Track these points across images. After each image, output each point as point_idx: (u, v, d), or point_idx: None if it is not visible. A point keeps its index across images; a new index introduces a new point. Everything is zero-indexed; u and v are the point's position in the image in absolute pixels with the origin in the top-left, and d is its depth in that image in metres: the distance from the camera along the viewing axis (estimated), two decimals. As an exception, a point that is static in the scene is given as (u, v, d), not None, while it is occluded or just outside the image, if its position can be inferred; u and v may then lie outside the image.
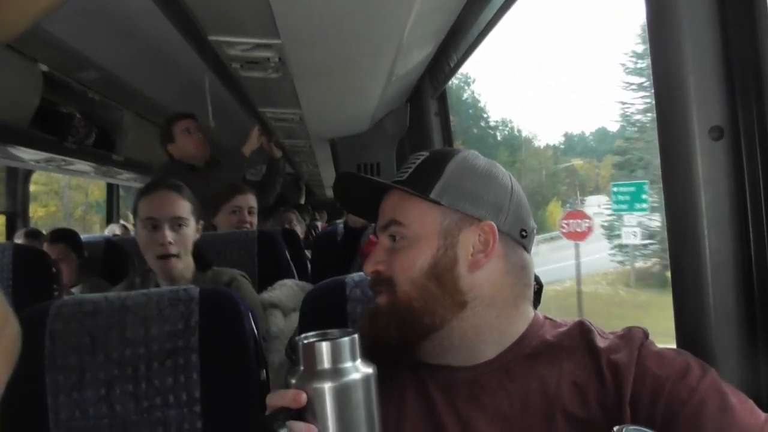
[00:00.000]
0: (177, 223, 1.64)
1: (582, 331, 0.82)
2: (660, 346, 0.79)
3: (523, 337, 0.84)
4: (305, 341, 0.68)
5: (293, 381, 0.67)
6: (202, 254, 1.80)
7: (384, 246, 0.86)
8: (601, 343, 0.79)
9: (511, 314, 0.84)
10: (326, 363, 0.66)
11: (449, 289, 0.81)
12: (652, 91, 0.97)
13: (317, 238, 2.27)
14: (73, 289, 2.79)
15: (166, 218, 1.62)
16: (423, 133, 2.70)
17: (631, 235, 11.21)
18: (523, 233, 0.86)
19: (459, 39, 2.01)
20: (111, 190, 5.08)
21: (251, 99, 2.22)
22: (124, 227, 4.77)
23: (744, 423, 0.69)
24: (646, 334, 0.80)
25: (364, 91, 2.25)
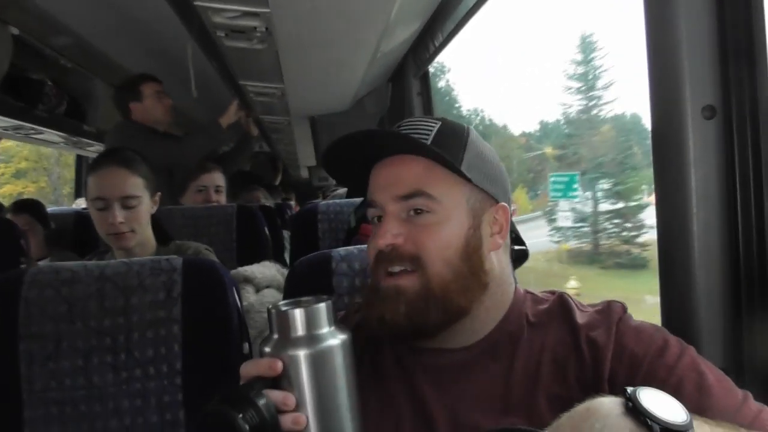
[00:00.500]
0: (128, 203, 1.57)
1: (562, 307, 0.82)
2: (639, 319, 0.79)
3: (507, 315, 0.83)
4: (279, 309, 0.67)
5: (268, 349, 0.66)
6: (162, 227, 1.75)
7: (397, 217, 0.78)
8: (580, 318, 0.79)
9: (506, 291, 0.84)
10: (300, 330, 0.65)
11: (477, 270, 0.79)
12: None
13: (297, 217, 2.24)
14: (41, 263, 2.71)
15: (115, 197, 1.55)
16: (404, 113, 2.69)
17: (565, 219, 12.64)
18: (513, 213, 0.86)
19: (445, 17, 2.00)
20: (80, 162, 4.96)
21: (233, 71, 2.17)
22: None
23: (722, 403, 0.68)
24: (624, 309, 0.79)
25: (348, 68, 2.22)
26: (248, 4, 1.46)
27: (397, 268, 0.78)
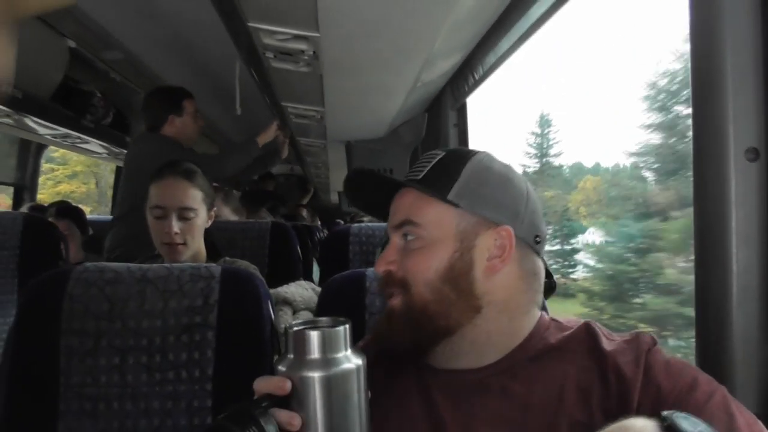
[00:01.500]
0: (185, 214, 1.61)
1: (588, 334, 0.81)
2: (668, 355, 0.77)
3: (528, 340, 0.83)
4: (296, 329, 0.67)
5: (281, 368, 0.66)
6: (214, 243, 1.78)
7: (396, 245, 0.85)
8: (608, 346, 0.78)
9: (522, 319, 0.84)
10: (315, 352, 0.65)
11: (464, 293, 0.81)
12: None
13: (329, 238, 2.28)
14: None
15: (174, 208, 1.60)
16: (439, 143, 2.72)
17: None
18: (537, 239, 0.85)
19: (486, 52, 2.03)
20: (119, 174, 5.08)
21: (276, 92, 2.23)
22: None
23: None
24: (654, 341, 0.78)
25: (387, 95, 2.26)
26: (299, 28, 1.52)
27: (390, 292, 0.84)
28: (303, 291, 1.91)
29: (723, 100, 0.91)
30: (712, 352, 0.94)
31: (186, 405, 1.17)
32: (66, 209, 3.08)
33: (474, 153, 0.86)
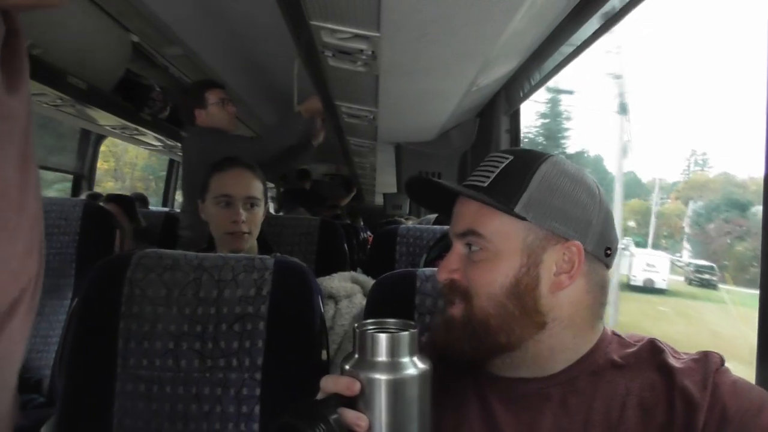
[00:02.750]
0: (250, 203, 1.66)
1: (653, 351, 0.79)
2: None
3: (590, 354, 0.80)
4: (365, 329, 0.67)
5: (348, 368, 0.66)
6: (265, 239, 1.81)
7: (459, 253, 0.82)
8: (675, 363, 0.75)
9: (586, 334, 0.81)
10: (384, 355, 0.65)
11: (529, 309, 0.77)
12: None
13: (378, 236, 2.29)
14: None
15: (240, 197, 1.64)
16: (490, 149, 2.70)
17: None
18: (608, 251, 0.81)
19: (544, 58, 2.01)
20: (172, 166, 5.22)
21: (331, 91, 2.25)
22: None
23: None
24: (722, 360, 0.75)
25: (441, 98, 2.26)
26: (360, 27, 1.53)
27: (451, 299, 0.82)
28: (345, 284, 1.92)
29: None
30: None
31: (235, 393, 1.19)
32: (116, 197, 3.19)
33: (544, 158, 0.81)
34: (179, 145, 3.89)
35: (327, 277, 1.91)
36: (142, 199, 4.39)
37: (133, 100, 3.15)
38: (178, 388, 1.18)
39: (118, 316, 1.18)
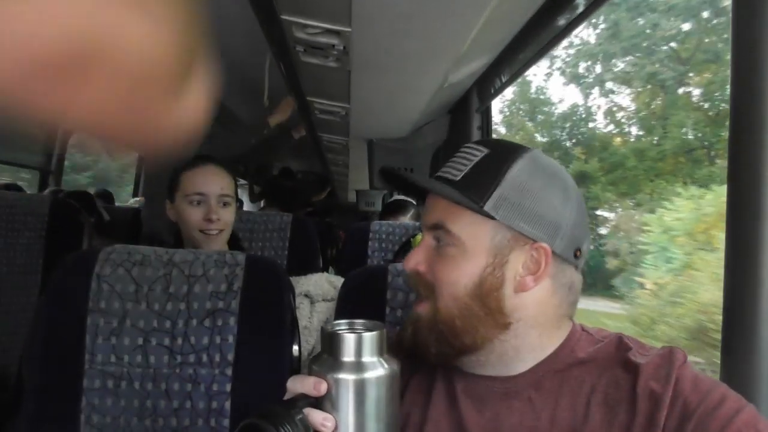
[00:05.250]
0: (224, 201, 1.62)
1: (619, 347, 0.79)
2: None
3: (556, 352, 0.81)
4: (332, 329, 0.67)
5: (316, 368, 0.66)
6: (236, 236, 1.78)
7: (428, 245, 0.82)
8: (639, 360, 0.75)
9: (552, 333, 0.81)
10: (351, 355, 0.65)
11: (492, 309, 0.77)
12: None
13: (350, 233, 2.30)
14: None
15: (214, 195, 1.60)
16: (461, 145, 2.71)
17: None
18: (577, 253, 0.80)
19: (515, 54, 2.03)
20: (141, 163, 5.14)
21: (303, 86, 2.24)
22: (149, 201, 4.83)
23: None
24: (685, 357, 0.75)
25: (414, 94, 2.27)
26: (332, 22, 1.53)
27: (417, 292, 0.83)
28: (322, 284, 1.92)
29: (763, 103, 0.89)
30: (739, 371, 0.92)
31: (205, 388, 1.18)
32: (72, 193, 3.17)
33: (519, 154, 0.79)
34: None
35: (303, 277, 1.91)
36: (105, 195, 4.32)
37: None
38: (147, 384, 1.17)
39: (85, 311, 1.17)
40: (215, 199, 1.60)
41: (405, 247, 1.79)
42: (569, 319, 0.84)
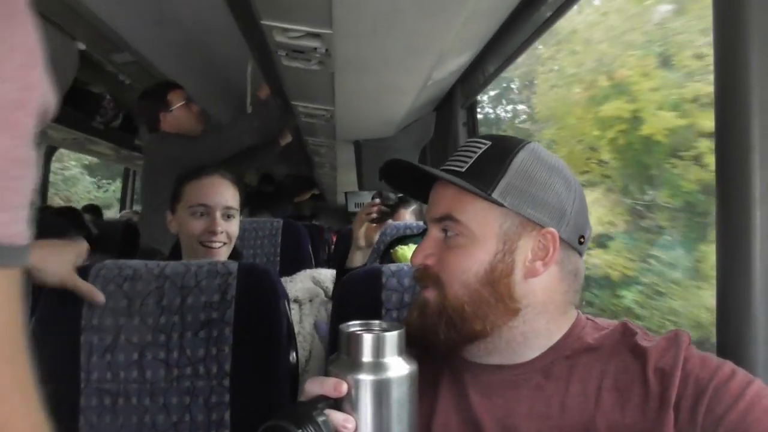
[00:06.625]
0: (228, 213, 1.58)
1: (625, 333, 0.80)
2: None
3: (564, 339, 0.81)
4: (351, 330, 0.67)
5: (334, 369, 0.65)
6: (238, 251, 1.72)
7: (435, 238, 0.82)
8: (647, 345, 0.77)
9: (559, 319, 0.82)
10: (371, 355, 0.65)
11: (503, 296, 0.78)
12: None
13: (341, 235, 2.29)
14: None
15: (219, 206, 1.55)
16: (448, 142, 2.71)
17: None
18: (581, 239, 0.82)
19: (497, 50, 2.03)
20: (127, 175, 5.11)
21: (287, 91, 2.23)
22: (138, 214, 4.80)
23: None
24: (690, 338, 0.77)
25: (398, 94, 2.26)
26: (312, 25, 1.52)
27: (425, 285, 0.82)
28: (308, 284, 1.91)
29: (747, 94, 0.89)
30: (733, 350, 0.93)
31: (204, 400, 1.17)
32: (59, 210, 3.14)
33: (522, 145, 0.81)
34: (134, 153, 3.82)
35: (288, 279, 1.90)
36: (93, 210, 4.29)
37: (84, 110, 3.07)
38: (144, 400, 1.16)
39: (78, 330, 1.16)
40: (220, 212, 1.56)
41: (391, 246, 1.78)
42: (574, 306, 0.85)
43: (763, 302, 0.89)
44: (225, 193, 1.58)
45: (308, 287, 1.93)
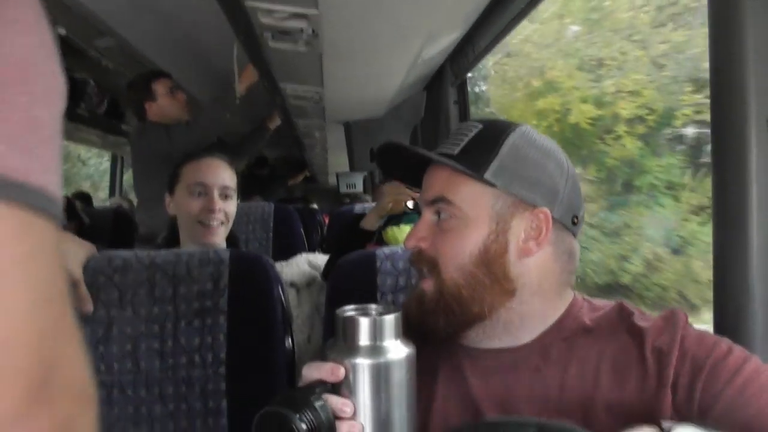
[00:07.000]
0: (225, 193, 1.60)
1: (622, 314, 0.80)
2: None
3: (561, 320, 0.82)
4: (348, 314, 0.66)
5: (332, 354, 0.65)
6: (234, 235, 1.74)
7: (428, 221, 0.82)
8: (644, 324, 0.77)
9: (555, 300, 0.82)
10: (368, 339, 0.64)
11: (498, 276, 0.78)
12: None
13: (334, 216, 2.28)
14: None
15: (216, 186, 1.58)
16: (440, 121, 2.69)
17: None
18: (575, 220, 0.82)
19: (487, 26, 2.00)
20: (115, 161, 5.05)
21: (274, 73, 2.20)
22: (127, 200, 4.76)
23: None
24: (686, 317, 0.77)
25: (387, 74, 2.24)
26: (298, 5, 1.49)
27: (421, 269, 0.82)
28: (304, 268, 1.90)
29: (743, 68, 0.89)
30: (731, 324, 0.93)
31: (200, 389, 1.16)
32: None
33: (513, 127, 0.82)
34: (121, 139, 3.78)
35: (284, 263, 1.89)
36: (84, 198, 4.24)
37: (68, 97, 3.02)
38: (140, 390, 1.15)
39: (70, 322, 1.14)
40: (217, 191, 1.58)
41: (385, 225, 1.77)
42: (570, 288, 0.85)
43: (760, 279, 0.90)
44: (222, 173, 1.60)
45: (305, 271, 1.92)
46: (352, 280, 1.23)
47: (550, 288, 0.81)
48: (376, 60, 2.03)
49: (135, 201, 2.81)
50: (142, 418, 1.14)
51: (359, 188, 4.75)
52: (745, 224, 0.90)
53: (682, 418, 0.69)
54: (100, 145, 4.14)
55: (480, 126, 0.83)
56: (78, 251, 1.16)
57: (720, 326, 0.95)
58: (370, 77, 2.28)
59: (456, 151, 0.81)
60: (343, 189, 4.96)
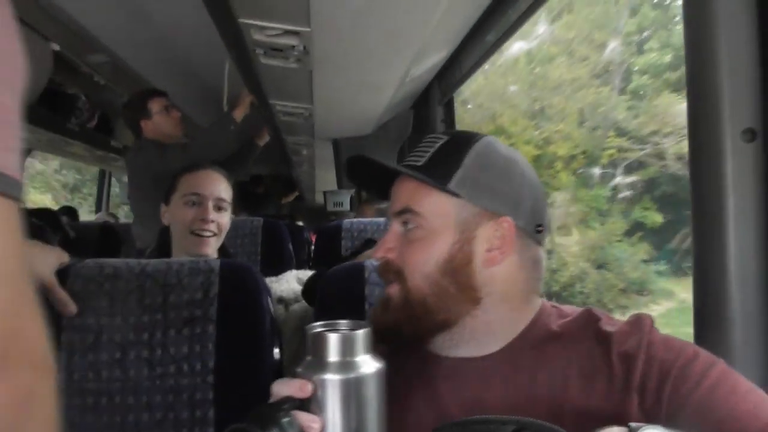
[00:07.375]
0: (219, 205, 1.62)
1: (589, 320, 0.81)
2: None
3: (529, 328, 0.82)
4: (315, 330, 0.66)
5: (300, 370, 0.65)
6: (225, 248, 1.76)
7: (396, 232, 0.84)
8: (610, 329, 0.78)
9: (522, 308, 0.83)
10: (336, 355, 0.64)
11: (463, 285, 0.80)
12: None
13: (322, 232, 2.30)
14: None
15: (211, 197, 1.60)
16: (427, 139, 2.71)
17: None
18: (539, 228, 0.83)
19: (473, 46, 2.04)
20: (103, 176, 5.03)
21: (265, 90, 2.22)
22: (113, 216, 4.74)
23: (761, 408, 0.67)
24: (653, 321, 0.78)
25: (376, 91, 2.27)
26: (290, 23, 1.52)
27: (387, 279, 0.84)
28: (293, 285, 1.91)
29: (718, 81, 0.91)
30: (711, 334, 0.94)
31: (188, 398, 1.17)
32: (35, 212, 3.10)
33: (477, 138, 0.84)
34: (110, 154, 3.77)
35: (274, 279, 1.90)
36: (70, 212, 4.23)
37: (59, 111, 3.03)
38: (127, 399, 1.15)
39: (59, 329, 1.14)
40: (212, 202, 1.60)
41: (364, 247, 1.80)
42: (538, 295, 0.86)
43: (738, 287, 0.91)
44: (219, 185, 1.63)
45: (294, 288, 1.93)
46: (341, 292, 1.24)
47: (516, 296, 0.82)
48: (366, 77, 2.06)
49: (120, 217, 2.82)
50: (129, 427, 1.14)
51: (346, 207, 4.76)
52: (723, 234, 0.92)
53: (650, 421, 0.70)
54: (88, 160, 4.13)
55: (445, 138, 0.85)
56: (46, 256, 1.16)
57: (699, 334, 0.97)
58: (359, 94, 2.31)
59: (421, 162, 0.83)
60: (331, 207, 4.97)
